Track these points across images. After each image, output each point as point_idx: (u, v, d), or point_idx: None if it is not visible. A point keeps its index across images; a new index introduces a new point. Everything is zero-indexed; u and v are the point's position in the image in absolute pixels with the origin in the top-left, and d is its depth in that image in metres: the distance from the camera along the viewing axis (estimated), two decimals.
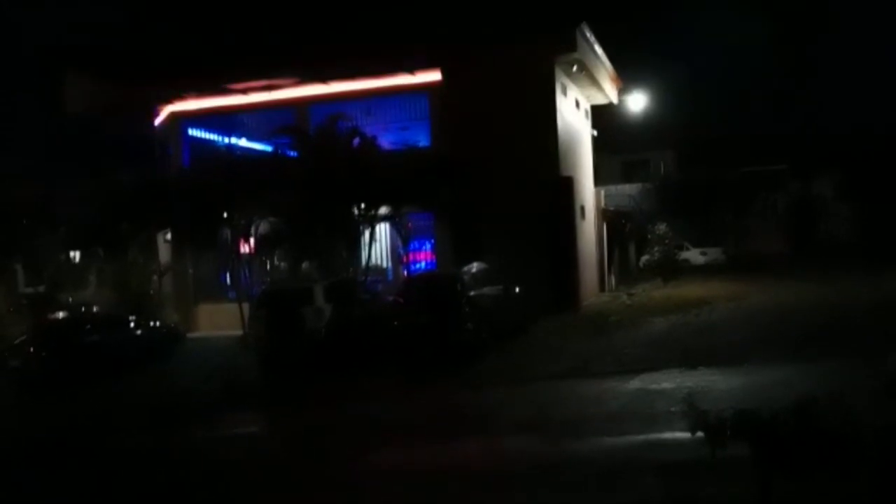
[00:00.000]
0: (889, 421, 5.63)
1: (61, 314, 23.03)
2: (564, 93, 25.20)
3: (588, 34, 24.35)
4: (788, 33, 40.83)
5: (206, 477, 10.07)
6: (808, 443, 5.61)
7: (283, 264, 24.97)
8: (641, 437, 9.47)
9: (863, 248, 34.53)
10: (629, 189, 41.57)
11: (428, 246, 25.02)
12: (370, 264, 23.05)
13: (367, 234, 22.56)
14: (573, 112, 26.89)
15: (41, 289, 25.69)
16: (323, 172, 20.86)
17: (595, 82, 27.41)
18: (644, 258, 35.23)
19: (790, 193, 42.59)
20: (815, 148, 40.83)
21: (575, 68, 24.91)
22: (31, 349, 18.32)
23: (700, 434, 6.46)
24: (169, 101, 26.51)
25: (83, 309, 24.04)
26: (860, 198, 39.13)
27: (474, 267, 19.15)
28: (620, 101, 31.48)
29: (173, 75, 25.87)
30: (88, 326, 19.85)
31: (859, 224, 38.84)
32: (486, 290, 18.30)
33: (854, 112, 40.23)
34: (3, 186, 22.72)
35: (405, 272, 24.13)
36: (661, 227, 31.91)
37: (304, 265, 23.18)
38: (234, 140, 25.99)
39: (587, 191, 28.23)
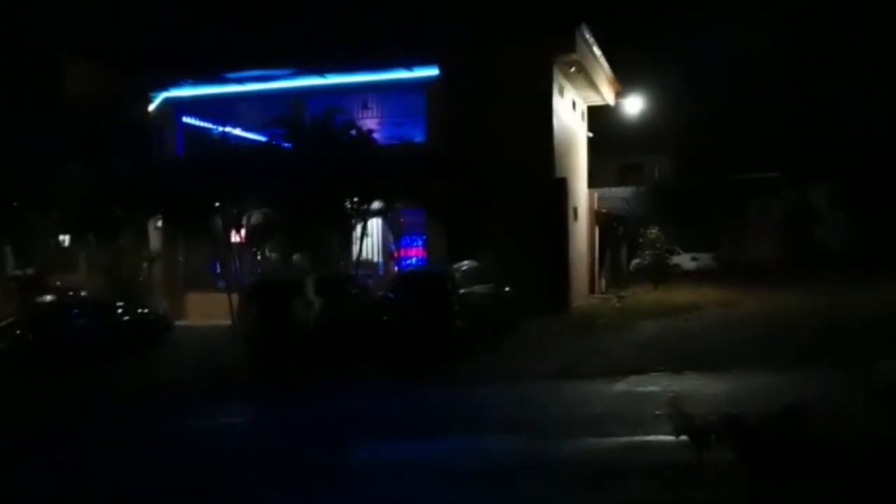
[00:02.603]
0: (876, 426, 5.66)
1: (49, 297, 22.87)
2: (561, 94, 25.19)
3: (587, 35, 24.36)
4: (787, 42, 40.83)
5: (186, 467, 9.99)
6: (796, 447, 5.62)
7: (273, 256, 24.86)
8: (627, 439, 9.47)
9: (856, 257, 34.64)
10: (623, 192, 41.49)
11: (419, 242, 24.95)
12: (361, 259, 23.00)
13: (359, 228, 22.50)
14: (570, 113, 26.88)
15: (30, 271, 25.50)
16: (317, 164, 20.79)
17: (592, 84, 27.41)
18: (635, 262, 35.26)
19: (785, 201, 42.62)
20: (811, 156, 40.81)
21: (573, 69, 24.91)
22: (18, 332, 18.21)
23: (684, 437, 6.45)
24: (164, 87, 26.39)
25: (71, 293, 23.87)
26: (855, 207, 39.20)
27: (465, 265, 19.12)
28: (617, 103, 31.48)
29: (169, 62, 25.74)
30: (76, 311, 19.72)
31: (853, 233, 38.91)
32: (477, 288, 18.28)
33: (849, 121, 40.07)
34: None
35: (396, 268, 24.08)
36: (653, 231, 31.90)
37: (296, 257, 23.11)
38: (228, 129, 25.86)
39: (581, 192, 28.24)
